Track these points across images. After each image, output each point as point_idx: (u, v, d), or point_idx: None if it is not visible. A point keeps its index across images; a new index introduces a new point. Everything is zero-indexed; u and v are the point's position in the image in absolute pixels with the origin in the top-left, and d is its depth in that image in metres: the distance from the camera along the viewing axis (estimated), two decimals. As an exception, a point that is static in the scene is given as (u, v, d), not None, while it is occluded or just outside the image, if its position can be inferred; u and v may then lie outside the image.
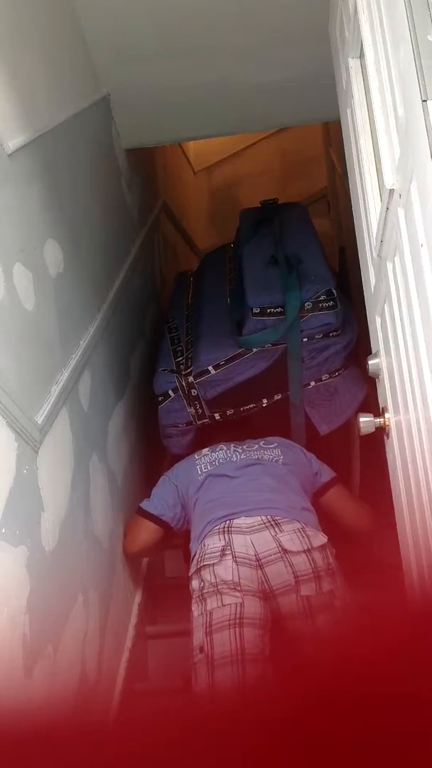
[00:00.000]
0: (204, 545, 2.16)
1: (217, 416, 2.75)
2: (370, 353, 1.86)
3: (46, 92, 2.16)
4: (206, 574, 2.09)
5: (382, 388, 1.77)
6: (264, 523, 2.16)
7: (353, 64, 1.91)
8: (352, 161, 2.00)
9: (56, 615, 1.74)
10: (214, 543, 2.14)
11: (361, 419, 1.73)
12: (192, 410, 2.73)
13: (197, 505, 2.33)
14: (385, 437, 1.74)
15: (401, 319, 1.46)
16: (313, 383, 2.70)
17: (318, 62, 2.44)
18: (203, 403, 2.72)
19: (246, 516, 2.18)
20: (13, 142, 1.80)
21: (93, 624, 2.01)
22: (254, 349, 2.65)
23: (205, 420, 2.75)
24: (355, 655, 0.79)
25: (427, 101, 1.19)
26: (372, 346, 1.89)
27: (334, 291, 2.63)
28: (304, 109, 3.06)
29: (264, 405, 2.74)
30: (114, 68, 2.75)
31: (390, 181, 1.44)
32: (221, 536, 2.15)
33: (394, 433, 1.66)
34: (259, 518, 2.17)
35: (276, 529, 2.14)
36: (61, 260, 2.08)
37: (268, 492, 2.27)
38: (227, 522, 2.18)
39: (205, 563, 2.11)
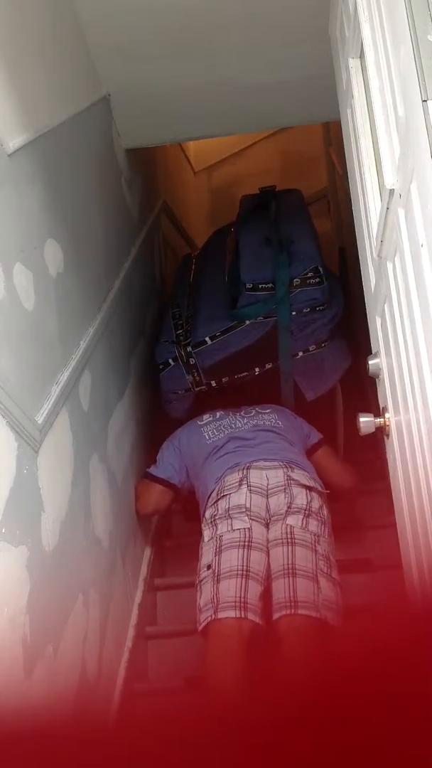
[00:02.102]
0: (223, 481, 2.40)
1: (213, 383, 2.96)
2: (370, 353, 1.86)
3: (46, 92, 2.16)
4: (221, 503, 2.33)
5: (382, 388, 1.77)
6: (280, 466, 2.42)
7: (353, 64, 1.91)
8: (352, 161, 2.00)
9: (56, 615, 1.74)
10: (233, 478, 2.39)
11: (361, 419, 1.73)
12: (190, 377, 2.95)
13: (212, 460, 2.55)
14: (385, 437, 1.73)
15: (401, 319, 1.46)
16: (301, 353, 2.93)
17: (318, 62, 2.44)
18: (201, 371, 2.94)
19: (265, 461, 2.44)
20: (13, 142, 1.80)
21: (93, 624, 2.00)
22: (247, 322, 2.88)
23: (203, 387, 2.97)
24: (355, 654, 0.79)
25: (427, 101, 1.19)
26: (372, 346, 1.88)
27: (321, 268, 2.86)
28: (304, 109, 3.06)
29: (256, 373, 2.96)
30: (114, 68, 2.75)
31: (390, 181, 1.44)
32: (240, 472, 2.40)
33: (394, 433, 1.66)
34: (277, 462, 2.44)
35: (289, 469, 2.41)
36: (61, 260, 2.08)
37: (284, 451, 2.53)
38: (248, 464, 2.43)
39: (223, 494, 2.35)
